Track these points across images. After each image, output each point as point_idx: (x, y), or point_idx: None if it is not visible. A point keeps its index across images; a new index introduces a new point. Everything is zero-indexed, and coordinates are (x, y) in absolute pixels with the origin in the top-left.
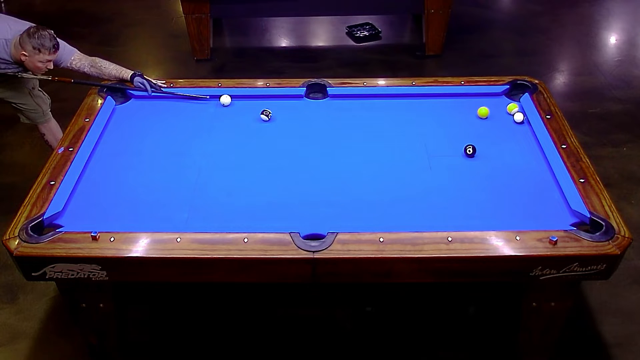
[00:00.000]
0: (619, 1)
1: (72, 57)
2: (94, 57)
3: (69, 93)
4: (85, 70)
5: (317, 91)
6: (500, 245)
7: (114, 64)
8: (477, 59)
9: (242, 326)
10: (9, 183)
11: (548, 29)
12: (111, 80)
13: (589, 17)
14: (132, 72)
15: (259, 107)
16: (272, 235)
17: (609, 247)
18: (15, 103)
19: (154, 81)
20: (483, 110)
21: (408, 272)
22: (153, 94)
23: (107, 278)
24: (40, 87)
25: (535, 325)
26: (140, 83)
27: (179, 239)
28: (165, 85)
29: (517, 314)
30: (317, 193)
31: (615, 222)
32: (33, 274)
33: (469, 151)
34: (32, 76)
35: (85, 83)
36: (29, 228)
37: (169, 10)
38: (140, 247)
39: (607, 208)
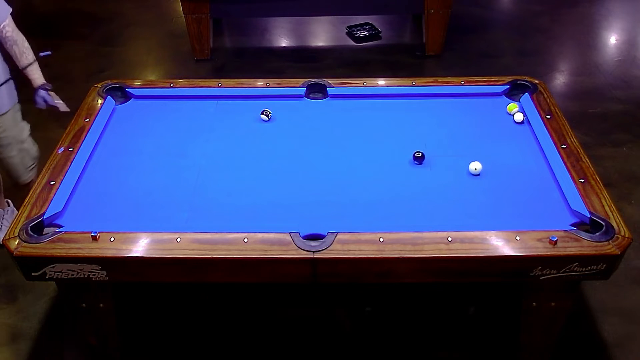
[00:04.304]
0: (619, 1)
1: (6, 21)
2: (22, 37)
3: (69, 93)
4: (7, 44)
5: (317, 91)
6: (500, 245)
7: (35, 62)
8: (477, 59)
9: (242, 326)
10: (8, 183)
11: (548, 29)
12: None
13: (589, 17)
14: (42, 83)
15: (259, 107)
16: (272, 235)
17: (609, 247)
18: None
19: (57, 102)
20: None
21: (408, 272)
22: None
23: (107, 278)
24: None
25: (536, 325)
26: (41, 98)
27: (179, 239)
28: (65, 107)
29: (517, 314)
30: (317, 193)
31: (615, 222)
32: (33, 274)
33: (418, 155)
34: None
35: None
36: (29, 228)
37: (169, 10)
38: (140, 247)
39: (607, 208)
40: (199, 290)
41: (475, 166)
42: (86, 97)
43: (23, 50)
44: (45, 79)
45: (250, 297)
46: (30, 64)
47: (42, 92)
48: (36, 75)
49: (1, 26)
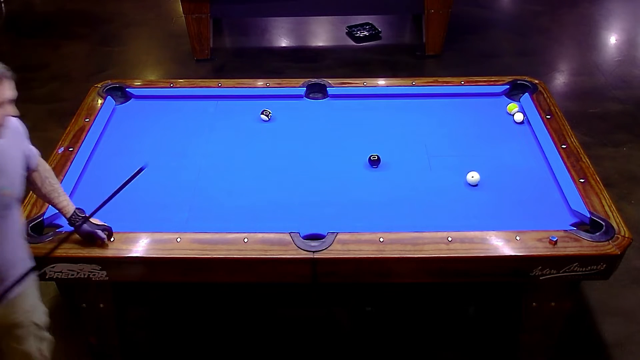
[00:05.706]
0: (619, 1)
1: (38, 160)
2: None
3: (69, 93)
4: (37, 183)
5: (317, 91)
6: (500, 245)
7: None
8: (477, 59)
9: (242, 326)
10: None
11: (548, 29)
12: (52, 203)
13: (589, 17)
14: (73, 210)
15: (259, 107)
16: (272, 235)
17: (609, 247)
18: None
19: (101, 226)
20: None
21: (408, 272)
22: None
23: (107, 278)
24: None
25: (535, 325)
26: (88, 231)
27: (179, 239)
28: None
29: (517, 314)
30: (317, 193)
31: (615, 222)
32: None
33: (374, 158)
34: None
35: None
36: (29, 228)
37: (169, 10)
38: (140, 247)
39: (607, 208)
40: (198, 290)
41: (471, 180)
42: (86, 97)
43: (53, 185)
44: (46, 79)
45: (250, 297)
46: (60, 196)
47: (86, 227)
48: (65, 205)
49: (35, 168)
